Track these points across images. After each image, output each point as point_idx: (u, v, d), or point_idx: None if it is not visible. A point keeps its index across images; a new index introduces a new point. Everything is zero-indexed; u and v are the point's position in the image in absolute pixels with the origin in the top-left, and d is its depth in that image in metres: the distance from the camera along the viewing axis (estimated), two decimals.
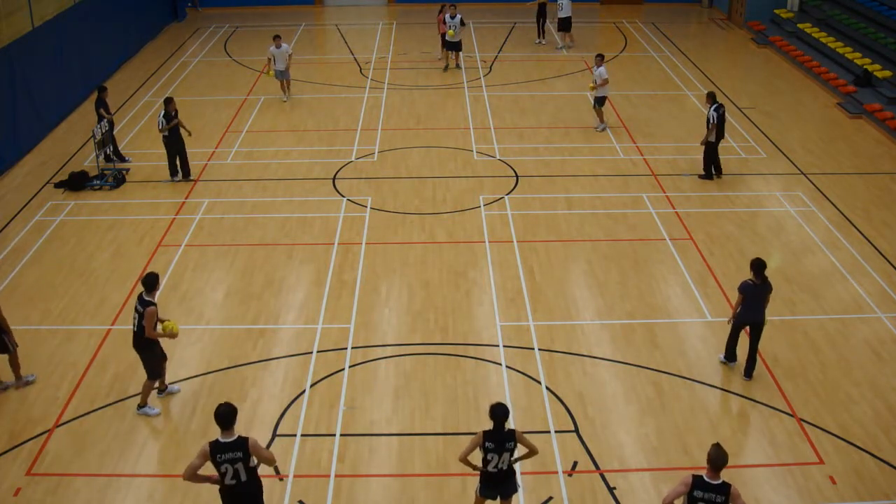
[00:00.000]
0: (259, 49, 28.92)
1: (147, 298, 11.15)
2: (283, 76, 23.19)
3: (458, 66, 26.06)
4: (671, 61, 27.21)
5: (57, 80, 22.32)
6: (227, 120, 22.21)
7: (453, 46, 25.61)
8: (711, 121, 17.93)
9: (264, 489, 10.23)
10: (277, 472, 10.56)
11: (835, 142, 20.77)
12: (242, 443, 8.66)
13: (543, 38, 28.93)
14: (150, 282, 11.26)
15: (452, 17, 25.08)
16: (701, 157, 18.58)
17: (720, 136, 18.12)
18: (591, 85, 20.85)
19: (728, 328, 12.33)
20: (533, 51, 28.35)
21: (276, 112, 22.50)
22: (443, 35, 27.65)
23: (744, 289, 11.82)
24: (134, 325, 11.30)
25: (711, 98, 18.22)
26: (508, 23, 31.33)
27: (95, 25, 24.95)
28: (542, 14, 28.72)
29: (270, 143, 20.64)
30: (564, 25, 28.16)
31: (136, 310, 11.19)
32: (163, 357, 11.64)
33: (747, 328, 12.19)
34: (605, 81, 20.52)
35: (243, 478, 8.71)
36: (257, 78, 25.45)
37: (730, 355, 12.41)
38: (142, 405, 11.60)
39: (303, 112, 22.88)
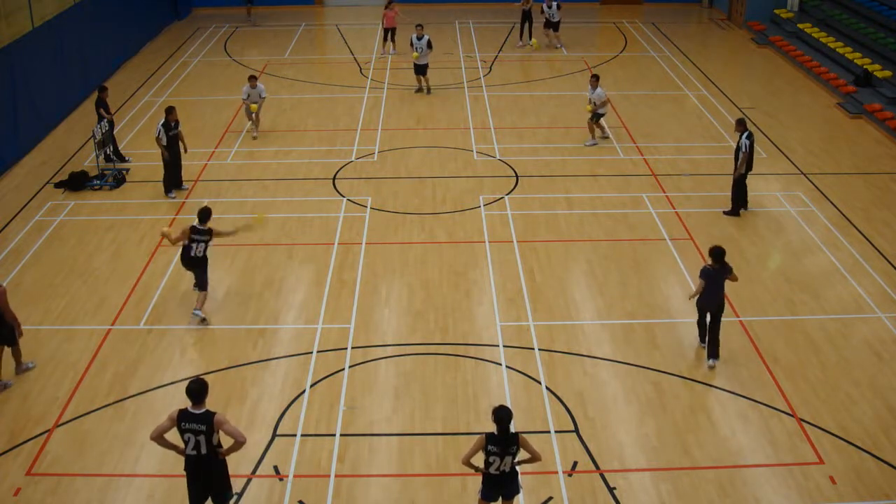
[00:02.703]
0: (259, 49, 28.96)
1: (206, 228, 13.43)
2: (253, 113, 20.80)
3: (427, 90, 23.96)
4: (671, 61, 27.21)
5: (57, 80, 22.32)
6: (227, 120, 22.21)
7: (420, 70, 23.63)
8: (743, 149, 16.31)
9: (265, 490, 10.28)
10: (277, 471, 10.58)
11: (835, 142, 20.77)
12: (208, 417, 8.96)
13: (530, 39, 28.96)
14: (207, 214, 13.54)
15: (419, 39, 23.21)
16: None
17: (749, 167, 16.61)
18: (589, 107, 19.98)
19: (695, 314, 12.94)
20: (533, 50, 28.35)
21: (276, 112, 22.50)
22: (386, 30, 27.70)
23: (704, 274, 12.36)
24: (197, 252, 13.40)
25: (741, 125, 16.65)
26: (508, 23, 31.30)
27: (95, 25, 24.94)
28: (527, 18, 28.74)
29: (270, 143, 20.64)
30: (553, 26, 28.37)
31: (199, 240, 13.36)
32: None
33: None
34: (605, 102, 19.94)
35: (203, 451, 9.03)
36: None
37: (714, 351, 12.67)
38: (198, 309, 13.53)
39: (303, 112, 22.88)
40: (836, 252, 15.63)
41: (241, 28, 31.58)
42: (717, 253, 12.30)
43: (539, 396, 11.88)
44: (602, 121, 20.48)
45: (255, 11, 32.04)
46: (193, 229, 13.40)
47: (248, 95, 20.55)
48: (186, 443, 9.01)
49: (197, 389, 8.98)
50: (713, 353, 12.50)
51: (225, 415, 9.59)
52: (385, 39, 28.06)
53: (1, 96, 19.63)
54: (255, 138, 20.85)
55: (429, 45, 23.25)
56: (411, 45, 23.56)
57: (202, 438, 8.94)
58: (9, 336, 12.06)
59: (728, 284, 12.58)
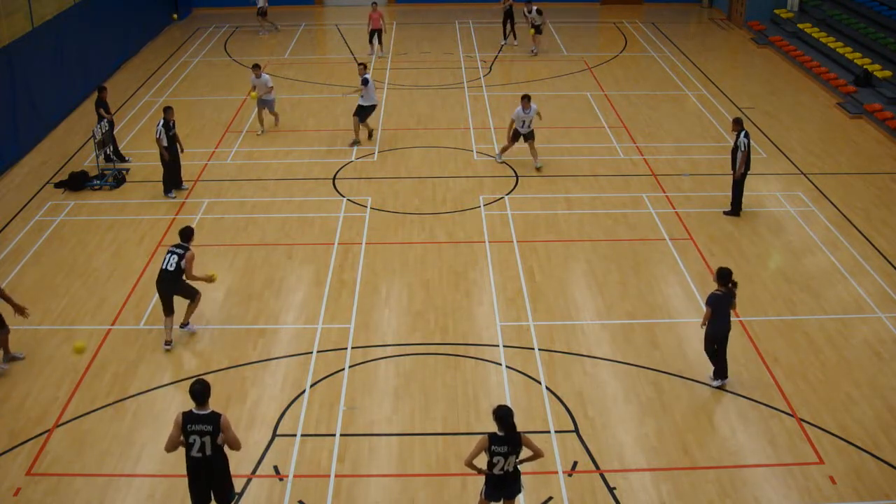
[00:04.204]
0: (259, 49, 28.96)
1: (186, 245, 12.81)
2: (262, 104, 20.88)
3: (354, 142, 20.37)
4: (671, 61, 27.22)
5: (57, 80, 22.32)
6: (227, 120, 22.21)
7: (361, 112, 20.13)
8: (742, 149, 16.19)
9: (265, 490, 10.28)
10: (277, 471, 10.58)
11: (835, 142, 20.77)
12: (215, 418, 8.93)
13: (515, 39, 29.02)
14: (189, 233, 13.00)
15: (364, 84, 19.80)
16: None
17: (748, 166, 16.49)
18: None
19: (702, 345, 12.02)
20: (538, 44, 28.35)
21: (277, 112, 22.47)
22: (372, 31, 27.49)
23: (712, 300, 11.57)
24: (167, 265, 12.72)
25: (738, 124, 16.49)
26: None
27: (95, 25, 24.95)
28: (509, 16, 28.85)
29: (270, 143, 20.64)
30: (536, 30, 27.85)
31: (174, 252, 12.72)
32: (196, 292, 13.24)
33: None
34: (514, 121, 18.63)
35: (208, 452, 8.97)
36: None
37: (722, 371, 12.00)
38: (185, 323, 13.17)
39: (303, 112, 22.88)
40: (836, 252, 15.63)
41: (241, 28, 31.57)
42: (725, 274, 11.61)
43: (539, 396, 11.88)
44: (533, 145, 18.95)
45: (268, 16, 31.64)
46: (173, 245, 12.92)
47: (255, 86, 20.74)
48: (192, 445, 8.93)
49: (200, 390, 8.95)
50: (722, 373, 12.05)
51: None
52: (372, 41, 27.94)
53: (1, 96, 19.63)
54: (259, 134, 21.07)
55: (364, 82, 19.82)
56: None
57: (208, 440, 8.89)
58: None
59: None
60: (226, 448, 9.13)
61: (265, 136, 21.06)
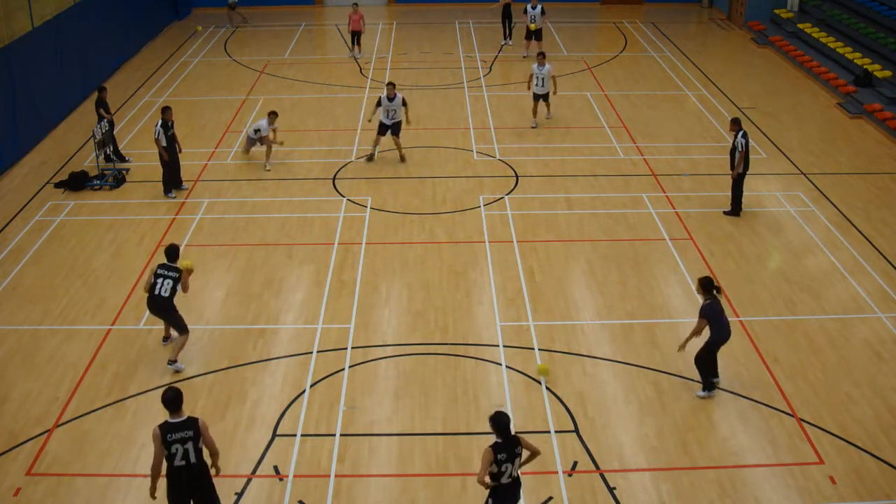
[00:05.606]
0: (259, 49, 28.95)
1: (176, 266, 12.32)
2: (255, 142, 19.40)
3: (401, 157, 19.48)
4: (671, 61, 27.22)
5: (57, 80, 22.31)
6: (226, 120, 22.21)
7: (384, 130, 19.19)
8: (739, 149, 16.19)
9: (265, 490, 10.28)
10: (277, 471, 10.58)
11: (835, 142, 20.77)
12: (193, 423, 8.81)
13: (510, 39, 29.01)
14: (176, 251, 12.46)
15: (391, 99, 18.83)
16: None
17: (746, 166, 16.50)
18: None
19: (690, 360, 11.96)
20: (532, 50, 28.33)
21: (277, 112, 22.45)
22: (352, 33, 27.39)
23: (708, 311, 11.47)
24: (161, 290, 12.18)
25: (736, 124, 16.46)
26: None
27: (95, 25, 24.94)
28: (507, 15, 28.81)
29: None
30: (535, 36, 26.83)
31: (166, 276, 12.21)
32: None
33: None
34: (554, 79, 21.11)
35: (192, 459, 8.84)
36: (257, 78, 25.48)
37: (709, 383, 11.86)
38: (173, 360, 12.42)
39: (303, 112, 22.88)
40: (836, 252, 15.63)
41: (240, 29, 31.58)
42: (708, 284, 11.56)
43: (539, 396, 11.88)
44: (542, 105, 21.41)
45: (241, 13, 31.88)
46: (160, 266, 12.33)
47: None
48: (174, 455, 8.73)
49: (173, 398, 8.79)
50: (716, 372, 12.03)
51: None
52: (353, 43, 27.80)
53: (1, 96, 19.63)
54: (268, 170, 19.08)
55: (403, 102, 19.06)
56: (378, 104, 19.12)
57: (190, 446, 8.75)
58: None
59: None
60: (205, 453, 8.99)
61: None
